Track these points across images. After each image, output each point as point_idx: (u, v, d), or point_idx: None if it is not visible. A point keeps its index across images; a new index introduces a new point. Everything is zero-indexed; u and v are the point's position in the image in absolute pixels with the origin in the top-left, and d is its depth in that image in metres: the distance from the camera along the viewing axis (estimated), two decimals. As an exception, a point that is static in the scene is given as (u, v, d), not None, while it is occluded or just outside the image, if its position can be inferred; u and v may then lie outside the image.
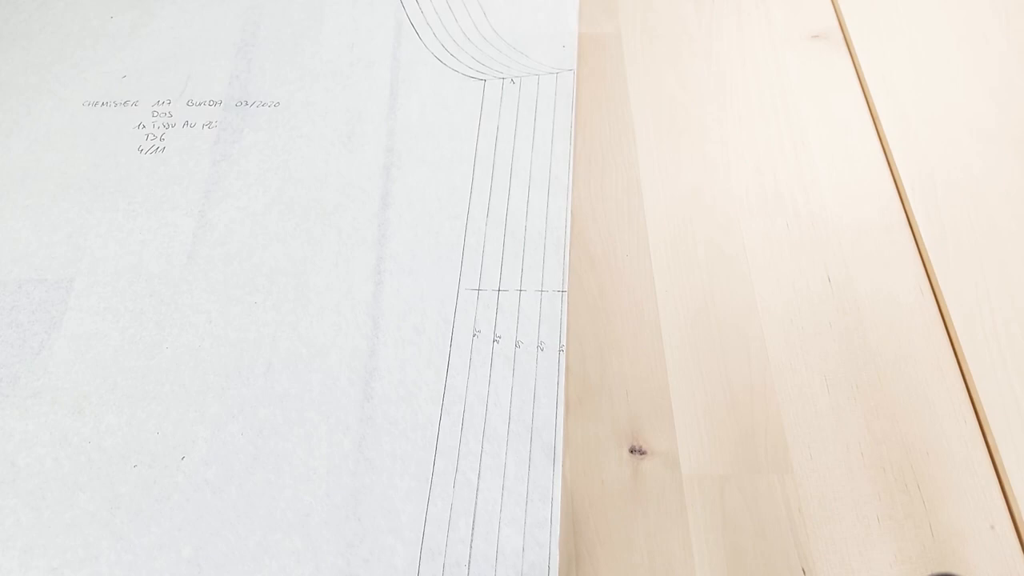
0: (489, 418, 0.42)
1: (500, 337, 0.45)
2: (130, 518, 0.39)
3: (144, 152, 0.53)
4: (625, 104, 0.56)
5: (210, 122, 0.54)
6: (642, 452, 0.41)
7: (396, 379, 0.44)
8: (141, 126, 0.54)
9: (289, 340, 0.45)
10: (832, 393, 0.43)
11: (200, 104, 0.55)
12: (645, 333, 0.46)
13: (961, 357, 0.44)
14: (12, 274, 0.47)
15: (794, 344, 0.45)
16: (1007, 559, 0.38)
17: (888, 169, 0.53)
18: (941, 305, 0.46)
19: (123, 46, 0.58)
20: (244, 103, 0.55)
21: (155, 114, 0.54)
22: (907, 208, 0.51)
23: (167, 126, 0.54)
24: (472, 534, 0.39)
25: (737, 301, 0.47)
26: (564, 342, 0.45)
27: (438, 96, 0.56)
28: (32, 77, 0.56)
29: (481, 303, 0.47)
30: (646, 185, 0.51)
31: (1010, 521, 0.39)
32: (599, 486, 0.41)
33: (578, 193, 0.51)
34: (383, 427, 0.42)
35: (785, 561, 0.38)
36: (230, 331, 0.45)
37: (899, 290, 0.47)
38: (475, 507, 0.40)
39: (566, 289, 0.47)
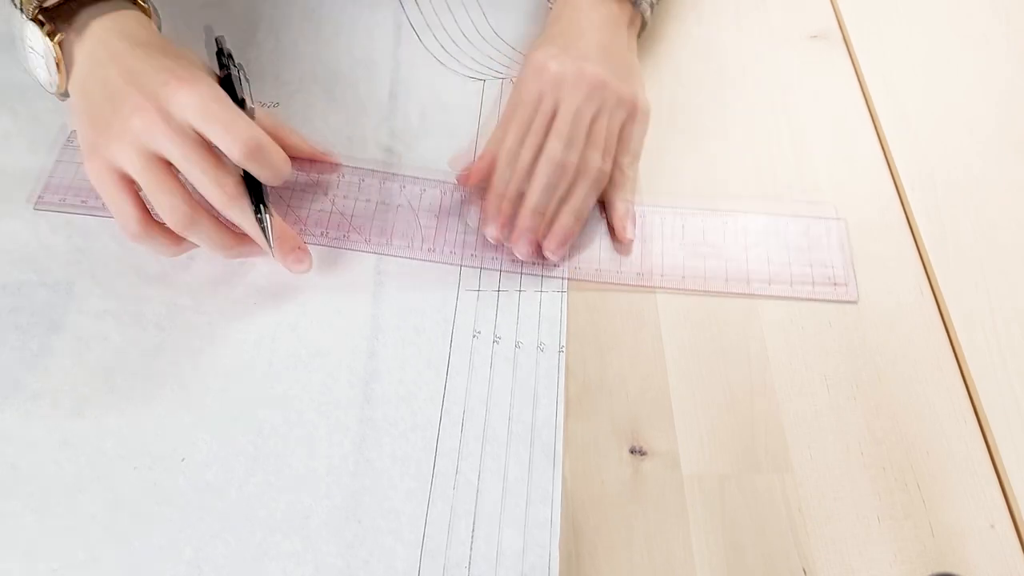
0: (489, 419, 0.43)
1: (500, 338, 0.45)
2: (131, 520, 0.39)
3: (144, 153, 0.53)
4: (625, 104, 0.56)
5: (210, 123, 0.54)
6: (642, 452, 0.42)
7: (396, 380, 0.44)
8: (141, 127, 0.54)
9: (289, 341, 0.45)
10: (832, 393, 0.43)
11: (200, 105, 0.55)
12: (645, 333, 0.46)
13: (961, 357, 0.44)
14: (12, 276, 0.47)
15: (794, 344, 0.45)
16: (1007, 559, 0.39)
17: (888, 169, 0.53)
18: (941, 305, 0.46)
19: (122, 47, 0.58)
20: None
21: (155, 115, 0.54)
22: (907, 208, 0.51)
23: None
24: (472, 535, 0.39)
25: (737, 301, 0.47)
26: (564, 342, 0.45)
27: (438, 96, 0.56)
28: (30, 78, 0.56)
29: (481, 304, 0.47)
30: (646, 185, 0.51)
31: (1010, 521, 0.40)
32: (599, 487, 0.41)
33: (578, 193, 0.51)
34: (383, 428, 0.42)
35: (785, 560, 0.38)
36: (230, 332, 0.45)
37: (899, 290, 0.47)
38: (475, 508, 0.40)
39: (566, 289, 0.47)
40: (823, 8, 0.62)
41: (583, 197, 0.47)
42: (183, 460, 0.41)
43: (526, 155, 0.47)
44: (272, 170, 0.41)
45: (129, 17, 0.45)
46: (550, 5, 0.57)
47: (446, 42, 0.59)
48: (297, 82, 0.57)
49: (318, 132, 0.54)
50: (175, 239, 0.43)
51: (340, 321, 0.46)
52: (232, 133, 0.40)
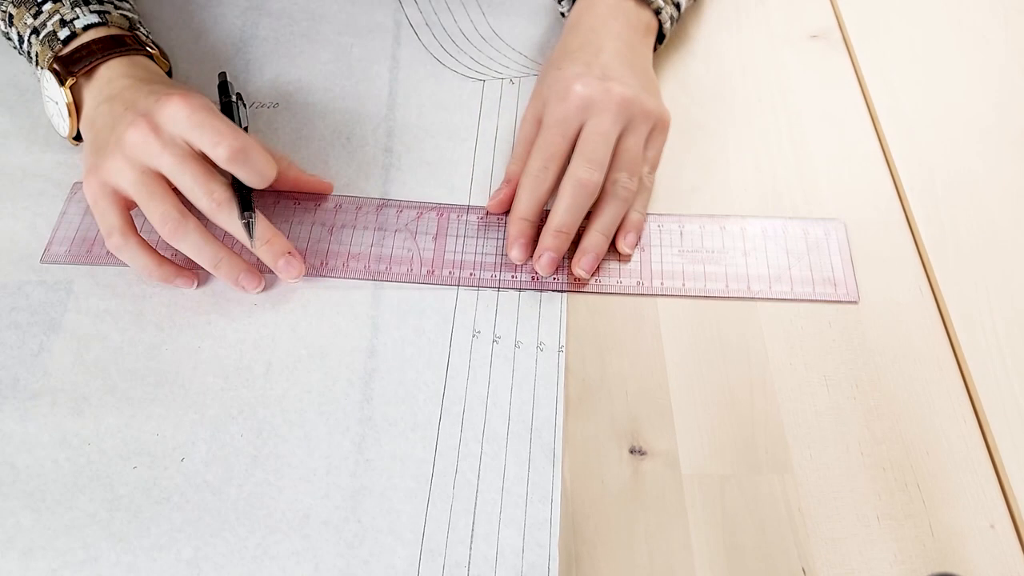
0: (489, 418, 0.42)
1: (500, 337, 0.45)
2: (130, 519, 0.39)
3: (143, 153, 0.53)
4: (624, 104, 0.56)
5: (209, 123, 0.54)
6: (642, 452, 0.42)
7: (396, 380, 0.44)
8: (140, 127, 0.54)
9: (288, 340, 0.45)
10: (832, 393, 0.43)
11: (199, 105, 0.55)
12: (645, 333, 0.46)
13: (961, 357, 0.44)
14: (11, 276, 0.47)
15: (794, 344, 0.45)
16: (1007, 559, 0.39)
17: (887, 169, 0.53)
18: (941, 305, 0.46)
19: (122, 47, 0.58)
20: (243, 104, 0.55)
21: (154, 115, 0.54)
22: (907, 208, 0.51)
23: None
24: (472, 535, 0.39)
25: (736, 300, 0.47)
26: (564, 342, 0.45)
27: (437, 96, 0.56)
28: (32, 78, 0.56)
29: (481, 303, 0.47)
30: (646, 185, 0.51)
31: (1010, 521, 0.40)
32: (599, 486, 0.41)
33: (578, 193, 0.51)
34: (383, 427, 0.42)
35: (785, 560, 0.38)
36: (230, 332, 0.45)
37: (899, 290, 0.47)
38: (475, 507, 0.40)
39: (566, 289, 0.47)
40: (823, 8, 0.62)
41: (612, 217, 0.47)
42: (183, 460, 0.41)
43: (549, 179, 0.47)
44: (256, 173, 0.43)
45: (136, 61, 0.49)
46: (562, 10, 0.57)
47: (446, 42, 0.59)
48: (297, 82, 0.57)
49: (318, 132, 0.54)
50: (156, 257, 0.45)
51: (340, 321, 0.46)
52: (217, 137, 0.42)
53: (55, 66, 0.47)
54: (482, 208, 0.50)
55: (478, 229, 0.49)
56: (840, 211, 0.50)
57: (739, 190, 0.51)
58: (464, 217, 0.50)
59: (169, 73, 0.52)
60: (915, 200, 0.51)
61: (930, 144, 0.53)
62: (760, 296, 0.46)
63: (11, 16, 0.50)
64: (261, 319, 0.46)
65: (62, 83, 0.47)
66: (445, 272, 0.47)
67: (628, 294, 0.47)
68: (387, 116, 0.55)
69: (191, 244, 0.44)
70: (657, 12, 0.53)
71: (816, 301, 0.46)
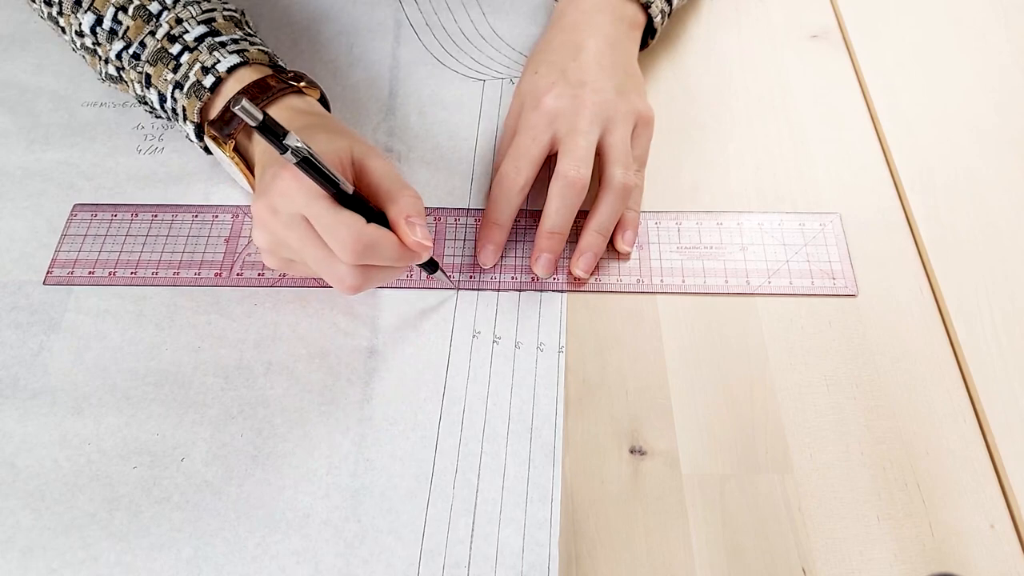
0: (489, 418, 0.42)
1: (500, 338, 0.45)
2: (130, 519, 0.39)
3: (143, 152, 0.53)
4: (625, 104, 0.56)
5: (209, 122, 0.54)
6: (642, 452, 0.42)
7: (396, 379, 0.44)
8: (140, 127, 0.54)
9: (289, 340, 0.45)
10: (832, 393, 0.43)
11: (199, 104, 0.55)
12: (645, 333, 0.46)
13: (961, 357, 0.44)
14: (12, 275, 0.47)
15: (794, 344, 0.45)
16: (1007, 559, 0.39)
17: (888, 168, 0.53)
18: (941, 305, 0.46)
19: (122, 47, 0.58)
20: (243, 103, 0.55)
21: (154, 115, 0.54)
22: (907, 208, 0.51)
23: (166, 127, 0.54)
24: (472, 534, 0.39)
25: (736, 300, 0.47)
26: (564, 342, 0.45)
27: (437, 96, 0.56)
28: (32, 77, 0.56)
29: (481, 303, 0.47)
30: (646, 184, 0.51)
31: (1010, 521, 0.40)
32: (599, 486, 0.41)
33: (578, 193, 0.51)
34: (383, 427, 0.42)
35: (785, 560, 0.38)
36: (230, 331, 0.45)
37: (899, 290, 0.47)
38: (475, 507, 0.40)
39: (566, 289, 0.47)
40: (823, 8, 0.62)
41: (609, 214, 0.47)
42: (183, 459, 0.41)
43: (520, 181, 0.46)
44: (390, 262, 0.39)
45: (283, 104, 0.44)
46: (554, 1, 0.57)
47: (446, 42, 0.59)
48: (297, 82, 0.57)
49: (318, 131, 0.54)
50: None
51: (340, 320, 0.46)
52: (334, 243, 0.38)
53: (212, 132, 0.45)
54: (478, 211, 0.50)
55: (476, 232, 0.49)
56: (840, 211, 0.50)
57: (739, 190, 0.51)
58: (461, 220, 0.50)
59: (323, 99, 0.48)
60: (915, 200, 0.51)
61: (930, 144, 0.53)
62: (759, 291, 0.46)
63: (148, 76, 0.46)
64: (261, 319, 0.46)
65: (221, 146, 0.45)
66: (445, 276, 0.47)
67: (629, 292, 0.47)
68: (387, 116, 0.55)
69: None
70: (646, 6, 0.53)
71: (815, 295, 0.46)
